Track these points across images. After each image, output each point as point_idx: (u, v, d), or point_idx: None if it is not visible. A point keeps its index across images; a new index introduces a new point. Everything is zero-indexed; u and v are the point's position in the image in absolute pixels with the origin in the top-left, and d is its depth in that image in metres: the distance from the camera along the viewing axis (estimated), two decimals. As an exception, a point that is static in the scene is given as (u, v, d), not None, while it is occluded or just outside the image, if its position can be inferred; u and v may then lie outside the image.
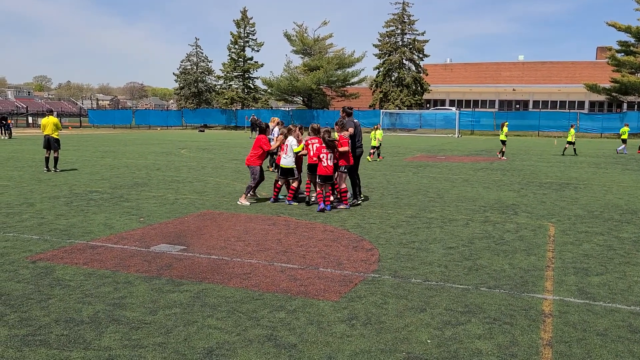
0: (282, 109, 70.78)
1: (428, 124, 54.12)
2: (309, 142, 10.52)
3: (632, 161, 22.61)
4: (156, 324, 4.61)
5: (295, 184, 10.91)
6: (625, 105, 58.35)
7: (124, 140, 34.51)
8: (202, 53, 70.72)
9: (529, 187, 13.75)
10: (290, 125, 11.26)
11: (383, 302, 5.21)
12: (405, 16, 58.76)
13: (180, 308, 4.98)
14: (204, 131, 54.70)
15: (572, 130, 26.08)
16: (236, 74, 65.01)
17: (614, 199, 12.00)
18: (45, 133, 15.78)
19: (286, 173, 10.82)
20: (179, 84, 70.51)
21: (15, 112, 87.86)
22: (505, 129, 23.78)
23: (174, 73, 70.37)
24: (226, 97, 63.32)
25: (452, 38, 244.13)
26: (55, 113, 16.93)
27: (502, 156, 23.27)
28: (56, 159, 16.03)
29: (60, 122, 16.40)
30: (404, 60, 59.10)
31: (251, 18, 64.24)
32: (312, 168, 10.48)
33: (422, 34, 59.29)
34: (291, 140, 10.74)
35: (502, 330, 4.59)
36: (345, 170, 10.50)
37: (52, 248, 7.04)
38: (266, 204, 10.68)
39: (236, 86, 65.39)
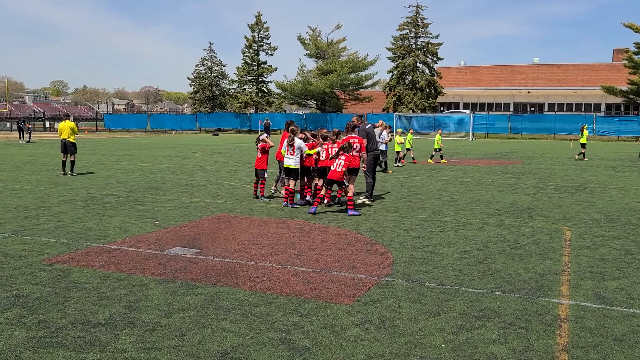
0: (296, 112, 70.95)
1: (442, 127, 53.83)
2: (328, 147, 10.85)
3: (650, 164, 22.30)
4: (171, 326, 4.64)
5: (292, 186, 10.97)
6: (642, 108, 57.56)
7: (139, 144, 34.84)
8: (217, 57, 71.33)
9: (544, 191, 13.62)
10: (293, 126, 11.40)
11: (397, 306, 5.20)
12: (418, 19, 58.62)
13: (194, 311, 5.01)
14: (218, 135, 55.02)
15: (586, 132, 25.46)
16: (250, 77, 65.34)
17: (631, 202, 11.84)
18: (62, 137, 16.07)
19: (290, 172, 10.97)
20: (194, 88, 71.08)
21: (33, 116, 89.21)
22: (585, 132, 24.85)
23: (188, 77, 71.13)
24: (240, 101, 63.64)
25: (466, 40, 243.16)
26: (71, 117, 17.31)
27: (584, 157, 24.41)
28: (73, 163, 16.24)
29: (77, 126, 16.70)
30: (417, 64, 58.93)
31: (265, 22, 64.56)
32: (322, 171, 10.77)
33: (436, 37, 59.12)
34: (299, 142, 10.94)
35: (518, 335, 4.56)
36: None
37: (69, 251, 7.13)
38: (280, 208, 10.71)
39: (250, 90, 65.70)
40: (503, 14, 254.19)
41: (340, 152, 10.20)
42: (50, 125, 68.41)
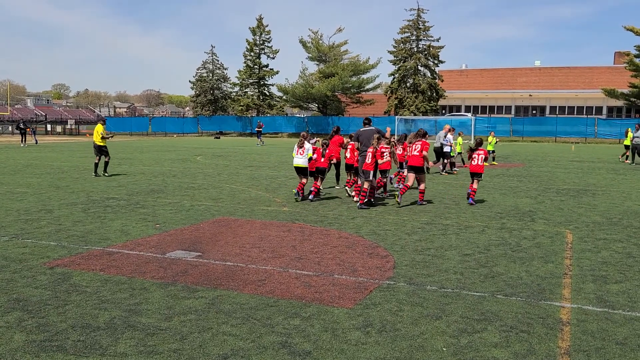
0: (297, 115, 71.01)
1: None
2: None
3: (652, 167, 22.25)
4: (171, 330, 4.63)
5: (305, 181, 12.14)
6: (644, 111, 57.51)
7: (140, 147, 34.87)
8: (218, 60, 71.39)
9: (546, 194, 13.59)
10: (304, 132, 12.77)
11: (398, 310, 5.18)
12: (420, 22, 58.66)
13: (195, 314, 5.00)
14: (219, 138, 55.07)
15: (630, 134, 25.82)
16: (252, 81, 65.40)
17: (633, 205, 11.81)
18: (94, 141, 17.11)
19: (300, 171, 12.14)
20: (195, 92, 71.16)
21: (35, 119, 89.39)
22: (630, 134, 25.13)
23: (190, 80, 71.09)
24: (242, 104, 63.71)
25: (467, 43, 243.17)
26: (102, 121, 18.05)
27: (627, 159, 24.90)
28: (96, 165, 16.92)
29: (104, 128, 17.46)
30: (419, 67, 58.93)
31: (267, 25, 64.65)
32: (349, 167, 12.73)
33: (437, 40, 59.15)
34: (308, 146, 12.06)
35: (519, 338, 4.54)
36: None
37: (70, 254, 7.12)
38: (281, 211, 10.71)
39: (252, 93, 65.76)
40: (504, 17, 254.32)
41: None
42: (52, 128, 68.54)
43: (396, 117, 53.90)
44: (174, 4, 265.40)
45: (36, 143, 36.96)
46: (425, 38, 59.16)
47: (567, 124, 50.67)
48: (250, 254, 7.25)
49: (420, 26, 58.72)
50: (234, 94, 68.19)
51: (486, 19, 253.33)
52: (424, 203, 11.80)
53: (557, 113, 62.43)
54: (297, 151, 12.07)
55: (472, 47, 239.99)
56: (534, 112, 66.19)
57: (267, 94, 66.38)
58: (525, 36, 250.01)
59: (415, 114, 56.43)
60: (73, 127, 71.65)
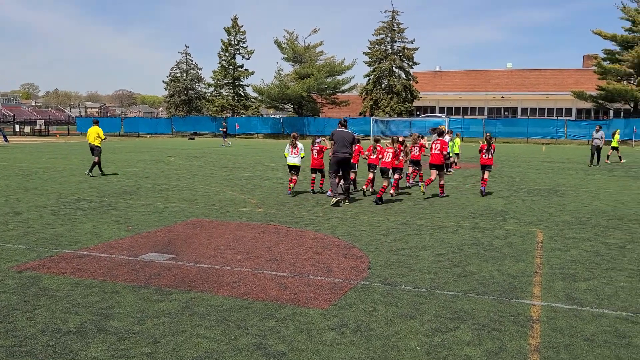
0: (273, 116, 70.81)
1: (418, 131, 54.34)
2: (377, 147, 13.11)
3: (619, 168, 22.85)
4: (144, 333, 4.57)
5: (296, 178, 13.26)
6: (611, 112, 59.02)
7: (112, 148, 34.30)
8: (192, 60, 70.65)
9: (517, 194, 13.84)
10: (294, 133, 13.78)
11: (373, 310, 5.21)
12: (394, 24, 59.08)
13: (168, 317, 4.94)
14: (194, 139, 54.53)
15: (617, 136, 26.72)
16: (226, 81, 64.91)
17: (601, 205, 12.11)
18: (89, 141, 17.45)
19: (294, 169, 13.24)
20: (169, 92, 70.30)
21: (2, 120, 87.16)
22: (617, 136, 26.15)
23: (163, 81, 70.24)
24: (216, 104, 63.18)
25: (441, 46, 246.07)
26: (98, 123, 18.67)
27: (607, 159, 25.57)
28: (94, 164, 17.13)
29: (103, 132, 18.05)
30: (394, 68, 59.32)
31: (242, 26, 64.24)
32: (370, 166, 13.19)
33: (412, 41, 59.64)
34: (300, 145, 13.18)
35: (491, 336, 4.61)
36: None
37: (39, 258, 6.97)
38: (256, 212, 10.67)
39: (226, 94, 65.27)
40: (478, 21, 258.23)
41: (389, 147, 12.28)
42: (20, 129, 66.92)
43: (371, 118, 54.18)
44: (147, 3, 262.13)
45: (6, 141, 35.97)
46: (399, 40, 59.61)
47: (538, 126, 51.65)
48: (224, 255, 7.20)
49: (395, 28, 59.15)
50: (209, 94, 67.59)
51: (460, 22, 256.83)
52: (445, 195, 13.18)
53: (529, 114, 63.62)
54: (292, 151, 13.09)
55: (446, 49, 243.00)
56: (506, 113, 67.30)
57: (242, 94, 65.98)
58: (498, 39, 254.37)
59: (390, 115, 56.82)
60: (42, 127, 70.07)
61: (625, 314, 5.19)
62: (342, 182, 12.19)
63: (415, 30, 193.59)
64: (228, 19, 77.61)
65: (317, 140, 13.55)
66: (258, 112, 67.65)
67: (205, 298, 5.48)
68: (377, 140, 13.72)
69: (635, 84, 51.09)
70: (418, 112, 66.51)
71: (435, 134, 13.87)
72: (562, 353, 4.30)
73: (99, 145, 17.42)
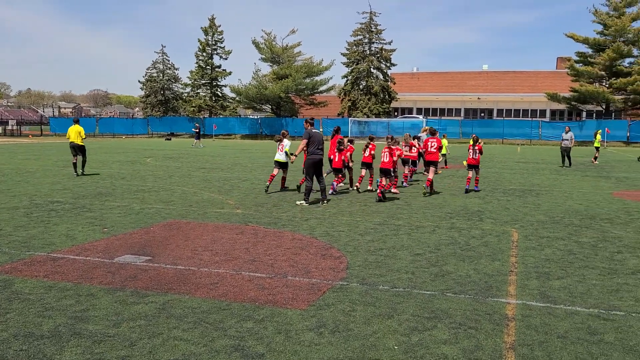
0: (251, 117, 70.48)
1: (396, 132, 54.75)
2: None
3: (591, 168, 23.34)
4: (120, 336, 4.51)
5: (275, 173, 13.87)
6: (584, 114, 60.29)
7: (87, 149, 33.74)
8: (169, 60, 69.96)
9: (493, 194, 14.04)
10: (284, 131, 14.34)
11: (351, 310, 5.23)
12: (372, 25, 59.41)
13: (145, 320, 4.89)
14: (170, 139, 53.98)
15: (599, 137, 27.16)
16: (204, 81, 64.47)
17: (574, 204, 12.36)
18: (70, 140, 17.47)
19: (279, 165, 13.79)
20: (145, 92, 69.48)
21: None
22: (598, 137, 26.72)
23: (139, 81, 69.37)
24: (194, 105, 62.67)
25: (418, 47, 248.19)
26: (79, 122, 18.58)
27: (595, 160, 26.10)
28: (84, 162, 17.59)
29: (83, 131, 18.20)
30: (371, 69, 59.65)
31: (219, 26, 63.87)
32: (365, 164, 13.94)
33: (389, 43, 60.05)
34: (287, 143, 13.66)
35: (467, 334, 4.67)
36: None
37: (11, 260, 6.82)
38: (234, 214, 10.61)
39: (204, 94, 64.82)
40: (454, 23, 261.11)
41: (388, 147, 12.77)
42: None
43: (349, 118, 54.39)
44: (123, 2, 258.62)
45: None
46: (377, 41, 59.96)
47: (513, 126, 52.47)
48: (202, 257, 7.15)
49: (373, 29, 59.48)
50: (186, 94, 67.01)
51: (437, 24, 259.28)
52: (431, 191, 13.92)
53: (504, 116, 64.55)
54: (278, 148, 13.71)
55: (423, 50, 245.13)
56: (482, 114, 68.20)
57: (220, 95, 65.60)
58: (474, 41, 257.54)
59: (368, 116, 57.10)
60: (14, 128, 68.53)
61: (597, 311, 5.31)
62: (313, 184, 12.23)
63: (393, 31, 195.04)
64: (205, 19, 76.88)
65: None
66: (236, 112, 67.27)
67: (182, 300, 5.43)
68: (371, 139, 14.27)
69: (607, 86, 52.28)
70: (396, 113, 66.96)
71: (425, 134, 14.32)
72: (537, 350, 4.38)
73: (82, 143, 17.61)
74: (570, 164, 23.52)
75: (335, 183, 13.87)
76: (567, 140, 23.35)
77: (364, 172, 14.09)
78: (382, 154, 12.75)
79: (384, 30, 60.43)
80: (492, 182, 16.85)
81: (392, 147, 12.90)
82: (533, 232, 9.11)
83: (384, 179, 12.70)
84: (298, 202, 11.84)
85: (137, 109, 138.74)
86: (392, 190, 13.48)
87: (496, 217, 10.59)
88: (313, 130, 12.13)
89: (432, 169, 13.80)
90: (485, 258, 7.31)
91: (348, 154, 14.17)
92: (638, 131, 47.08)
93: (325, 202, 12.02)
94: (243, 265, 6.77)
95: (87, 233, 8.53)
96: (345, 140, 14.46)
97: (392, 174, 13.00)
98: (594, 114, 58.28)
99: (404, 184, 15.70)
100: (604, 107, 54.06)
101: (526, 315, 5.15)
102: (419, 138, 17.44)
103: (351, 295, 5.66)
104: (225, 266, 6.70)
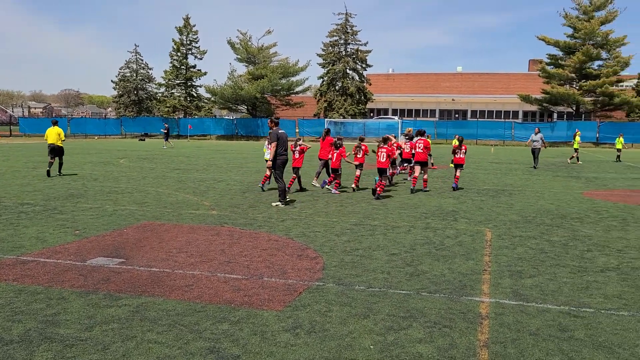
0: (226, 117, 70.01)
1: (372, 133, 55.06)
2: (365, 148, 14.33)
3: (562, 168, 23.83)
4: (92, 340, 4.43)
5: (268, 173, 13.79)
6: (555, 115, 61.55)
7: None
8: (143, 60, 68.99)
9: (467, 194, 14.22)
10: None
11: (327, 310, 5.24)
12: (348, 27, 59.61)
13: (118, 323, 4.81)
14: (144, 140, 53.25)
15: (578, 138, 27.75)
16: (178, 81, 63.72)
17: (545, 204, 12.60)
18: (49, 142, 17.39)
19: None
20: (118, 92, 68.40)
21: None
22: (577, 138, 27.44)
23: (112, 80, 68.34)
24: (168, 105, 61.94)
25: (394, 49, 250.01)
26: (58, 123, 18.53)
27: (578, 161, 26.69)
28: (61, 165, 17.61)
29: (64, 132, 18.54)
30: (347, 70, 59.83)
31: (194, 25, 63.24)
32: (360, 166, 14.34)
33: (365, 44, 60.31)
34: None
35: (442, 333, 4.72)
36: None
37: (-21, 264, 6.64)
38: (209, 215, 10.53)
39: (178, 94, 64.10)
40: (430, 24, 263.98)
41: (381, 146, 13.32)
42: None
43: (325, 119, 54.47)
44: (95, 1, 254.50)
45: None
46: (353, 42, 60.16)
47: (487, 127, 53.20)
48: (177, 258, 7.07)
49: (349, 30, 59.67)
50: (160, 94, 66.18)
51: (412, 26, 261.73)
52: (427, 190, 14.69)
53: (478, 117, 65.45)
54: (267, 147, 13.52)
55: (398, 52, 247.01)
56: (457, 115, 69.06)
57: (195, 95, 64.97)
58: (449, 43, 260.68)
59: (344, 117, 57.25)
60: (-17, 128, 66.73)
61: (568, 308, 5.42)
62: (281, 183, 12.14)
63: (369, 32, 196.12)
64: (180, 19, 76.26)
65: (299, 142, 14.34)
66: (211, 113, 66.74)
67: (156, 302, 5.37)
68: (361, 140, 14.59)
69: (577, 88, 53.46)
70: (371, 114, 67.32)
71: (406, 138, 14.71)
72: (510, 347, 4.45)
73: (62, 145, 17.60)
74: (535, 166, 23.24)
75: (333, 189, 14.17)
76: (537, 141, 23.41)
77: (358, 172, 14.48)
78: (379, 154, 13.27)
79: (359, 31, 60.81)
80: (467, 183, 17.07)
81: (386, 146, 13.38)
82: (506, 232, 9.26)
83: (382, 177, 13.33)
84: (274, 204, 11.79)
85: (109, 109, 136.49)
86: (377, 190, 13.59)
87: (470, 217, 10.73)
88: (280, 131, 12.05)
89: (417, 167, 14.53)
90: (459, 257, 7.40)
91: (346, 154, 14.49)
92: (607, 132, 48.21)
93: (282, 203, 11.75)
94: (218, 266, 6.72)
95: (58, 235, 8.36)
96: (357, 138, 15.01)
97: (387, 174, 13.68)
98: (565, 116, 59.56)
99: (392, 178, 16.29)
100: (574, 108, 55.25)
101: (499, 314, 5.23)
102: (387, 139, 17.74)
103: (327, 296, 5.67)
104: (200, 268, 6.64)
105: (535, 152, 23.60)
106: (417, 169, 14.57)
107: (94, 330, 4.63)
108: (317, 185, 14.88)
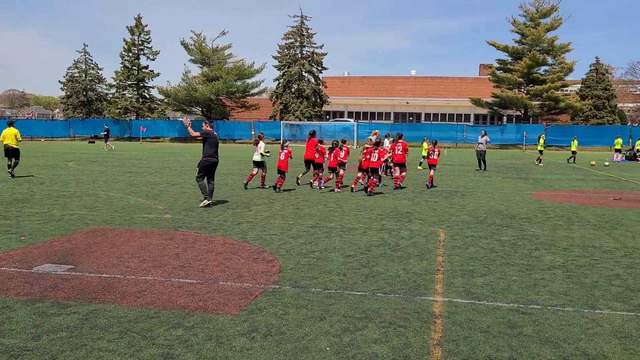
0: (180, 119, 68.77)
1: (328, 135, 55.32)
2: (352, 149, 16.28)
3: (512, 170, 24.63)
4: (39, 350, 4.27)
5: (255, 172, 15.35)
6: (505, 118, 63.58)
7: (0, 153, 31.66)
8: (92, 60, 66.87)
9: (421, 196, 14.49)
10: (260, 134, 15.67)
11: (283, 313, 5.23)
12: (303, 29, 59.74)
13: (66, 332, 4.65)
14: (94, 142, 51.70)
15: (542, 140, 28.88)
16: (130, 82, 62.22)
17: (496, 205, 12.99)
18: (5, 142, 17.49)
19: (257, 165, 15.20)
20: (66, 93, 66.07)
21: None
22: (541, 141, 28.77)
23: (59, 81, 65.92)
24: (119, 106, 60.36)
25: (349, 52, 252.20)
26: (14, 124, 18.37)
27: (540, 163, 27.97)
28: (16, 164, 17.53)
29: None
30: (303, 72, 59.94)
31: (146, 25, 61.91)
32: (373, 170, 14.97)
33: (321, 47, 60.61)
34: (262, 144, 15.01)
35: (397, 333, 4.79)
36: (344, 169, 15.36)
37: None
38: (163, 219, 10.32)
39: (130, 95, 62.55)
40: (385, 28, 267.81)
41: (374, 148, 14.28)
42: None
43: (281, 122, 54.37)
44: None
45: None
46: (309, 45, 60.35)
47: (440, 130, 54.36)
48: (128, 264, 6.89)
49: (304, 33, 59.81)
50: (110, 95, 64.41)
51: (368, 29, 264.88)
52: (400, 187, 16.05)
53: (432, 120, 66.83)
54: (255, 149, 15.06)
55: (353, 55, 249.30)
56: (411, 118, 70.27)
57: (147, 96, 63.57)
58: (403, 47, 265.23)
59: (300, 119, 57.32)
60: None
61: (517, 305, 5.61)
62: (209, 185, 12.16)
63: (324, 35, 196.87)
64: (131, 18, 74.39)
65: (285, 144, 15.27)
66: (164, 115, 65.47)
67: (107, 309, 5.22)
68: (344, 142, 15.43)
69: (525, 92, 55.41)
70: (327, 117, 67.66)
71: (375, 137, 15.34)
72: (462, 345, 4.56)
73: (17, 147, 17.64)
74: (485, 168, 23.23)
75: (336, 189, 14.94)
76: (482, 143, 23.05)
77: (359, 174, 15.34)
78: (371, 154, 14.23)
79: (315, 34, 60.96)
80: (421, 184, 17.40)
81: (379, 147, 14.44)
82: (458, 232, 9.49)
83: (374, 176, 14.48)
84: (201, 204, 11.75)
85: (57, 110, 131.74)
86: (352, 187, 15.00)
87: (424, 218, 10.93)
88: (214, 133, 12.20)
89: (397, 168, 16.14)
90: (414, 258, 7.53)
91: (342, 153, 15.19)
92: (553, 135, 50.14)
93: (206, 203, 11.76)
94: (172, 271, 6.60)
95: (2, 242, 8.01)
96: (340, 140, 15.70)
97: (379, 173, 14.90)
98: (514, 119, 61.58)
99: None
100: (522, 112, 57.23)
101: (452, 312, 5.35)
102: (380, 143, 17.90)
103: (283, 299, 5.65)
104: (153, 273, 6.50)
105: (480, 155, 23.03)
106: (397, 169, 16.09)
107: (41, 340, 4.46)
108: (316, 185, 15.77)
